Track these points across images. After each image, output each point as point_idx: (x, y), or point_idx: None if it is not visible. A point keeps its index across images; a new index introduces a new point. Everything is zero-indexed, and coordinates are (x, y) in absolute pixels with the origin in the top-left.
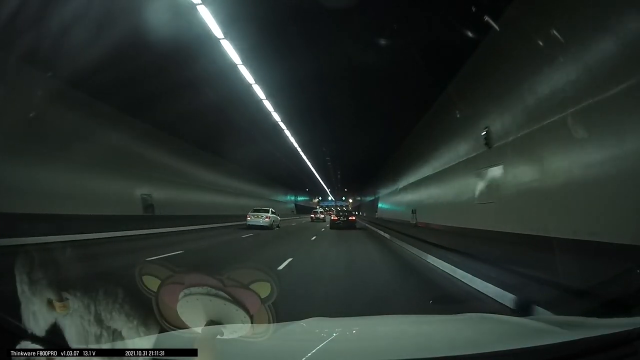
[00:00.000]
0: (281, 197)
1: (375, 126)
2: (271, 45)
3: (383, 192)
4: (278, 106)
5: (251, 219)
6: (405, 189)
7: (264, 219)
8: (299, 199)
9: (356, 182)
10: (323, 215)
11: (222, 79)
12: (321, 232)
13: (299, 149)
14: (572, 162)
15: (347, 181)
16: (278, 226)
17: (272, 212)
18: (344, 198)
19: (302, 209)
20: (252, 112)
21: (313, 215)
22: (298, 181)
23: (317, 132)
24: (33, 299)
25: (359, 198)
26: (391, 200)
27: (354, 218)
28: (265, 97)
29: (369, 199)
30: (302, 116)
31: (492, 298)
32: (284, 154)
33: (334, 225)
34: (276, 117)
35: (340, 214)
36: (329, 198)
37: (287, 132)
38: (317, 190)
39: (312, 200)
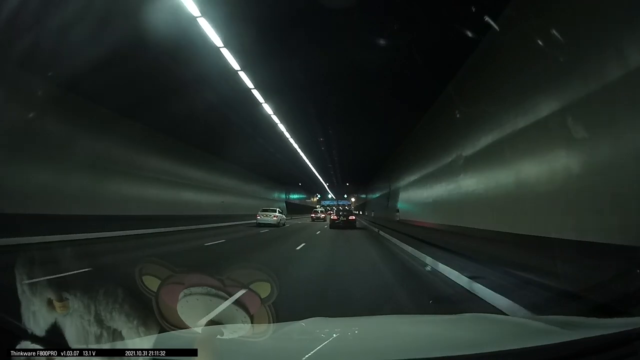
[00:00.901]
0: (266, 194)
1: (379, 118)
2: (267, 40)
3: (405, 180)
4: (262, 89)
5: (261, 218)
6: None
7: (272, 217)
8: (292, 196)
9: (359, 179)
10: (324, 215)
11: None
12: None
13: (292, 142)
14: None
15: (349, 178)
16: (284, 224)
17: (279, 212)
18: (345, 196)
19: (295, 209)
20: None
21: (313, 215)
22: (290, 177)
23: (314, 127)
24: (33, 299)
25: (363, 195)
26: (429, 194)
27: (353, 218)
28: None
29: (376, 195)
30: (298, 110)
31: None
32: (274, 147)
33: (333, 224)
34: (266, 107)
35: (340, 213)
36: (329, 196)
37: (276, 119)
38: (317, 189)
39: (309, 199)
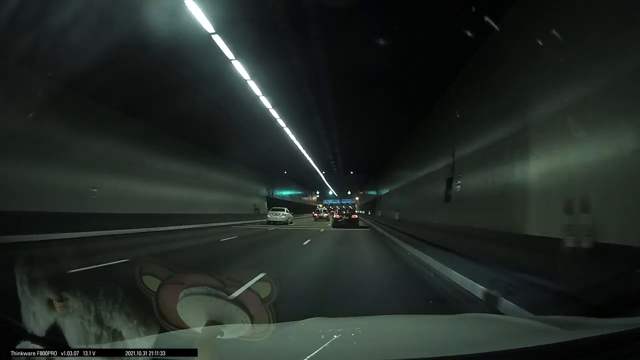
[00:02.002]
0: (239, 185)
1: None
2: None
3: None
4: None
5: (271, 216)
6: None
7: (280, 216)
8: (282, 193)
9: (367, 170)
10: (327, 215)
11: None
12: None
13: (282, 125)
14: None
15: (353, 167)
16: (291, 222)
17: (287, 211)
18: (349, 192)
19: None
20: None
21: (316, 214)
22: (275, 165)
23: (311, 107)
24: (33, 299)
25: (371, 192)
26: None
27: (356, 216)
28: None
29: (397, 185)
30: (294, 98)
31: None
32: (258, 129)
33: (336, 223)
34: (251, 84)
35: (344, 212)
36: (330, 193)
37: (264, 101)
38: (315, 184)
39: (306, 196)
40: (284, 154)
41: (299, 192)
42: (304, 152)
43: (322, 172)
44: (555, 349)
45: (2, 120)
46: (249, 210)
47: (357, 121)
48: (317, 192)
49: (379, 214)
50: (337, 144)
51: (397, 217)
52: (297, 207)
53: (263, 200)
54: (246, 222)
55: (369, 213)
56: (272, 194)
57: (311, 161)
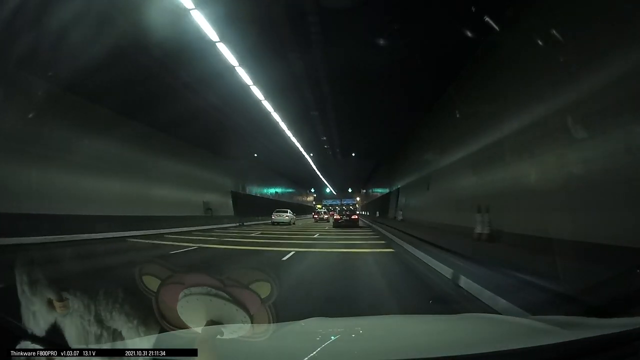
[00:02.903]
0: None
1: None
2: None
3: None
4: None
5: (275, 217)
6: None
7: (284, 217)
8: (262, 191)
9: (373, 160)
10: (327, 216)
11: None
12: None
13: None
14: None
15: (356, 157)
16: (294, 223)
17: (290, 213)
18: (350, 190)
19: (260, 211)
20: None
21: (316, 216)
22: (253, 152)
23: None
24: (33, 299)
25: (378, 190)
26: None
27: (356, 217)
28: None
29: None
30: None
31: None
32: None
33: (337, 224)
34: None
35: (343, 212)
36: (327, 190)
37: (241, 72)
38: (313, 181)
39: (300, 196)
40: (264, 137)
41: (289, 190)
42: (291, 136)
43: (309, 155)
44: (555, 349)
45: None
46: (197, 212)
47: (358, 99)
48: (313, 190)
49: (400, 217)
50: (333, 122)
51: (480, 230)
52: (286, 207)
53: (227, 197)
54: (179, 230)
55: (377, 215)
56: (244, 188)
57: (299, 146)
